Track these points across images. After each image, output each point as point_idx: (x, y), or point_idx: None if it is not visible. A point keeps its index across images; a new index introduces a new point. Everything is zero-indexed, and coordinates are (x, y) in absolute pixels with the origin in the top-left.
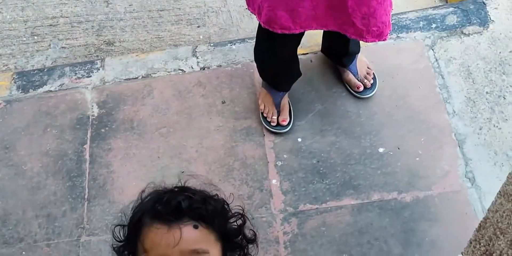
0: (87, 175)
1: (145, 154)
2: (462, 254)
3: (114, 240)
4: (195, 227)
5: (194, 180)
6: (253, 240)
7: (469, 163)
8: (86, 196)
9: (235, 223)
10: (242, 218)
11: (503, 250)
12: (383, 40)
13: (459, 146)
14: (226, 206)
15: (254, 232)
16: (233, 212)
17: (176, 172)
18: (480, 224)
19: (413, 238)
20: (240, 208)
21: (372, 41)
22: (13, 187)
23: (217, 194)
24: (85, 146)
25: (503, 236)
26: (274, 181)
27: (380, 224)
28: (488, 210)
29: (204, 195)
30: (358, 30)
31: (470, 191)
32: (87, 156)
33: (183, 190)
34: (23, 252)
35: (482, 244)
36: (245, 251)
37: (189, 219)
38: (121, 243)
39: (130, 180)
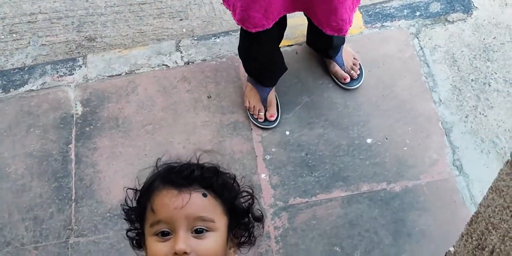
0: (73, 176)
1: (131, 152)
2: (454, 247)
3: (125, 202)
4: (204, 195)
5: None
6: (260, 219)
7: (456, 151)
8: (73, 197)
9: (244, 204)
10: (251, 199)
11: (495, 244)
12: (342, 35)
13: (446, 135)
14: (235, 184)
15: (261, 211)
16: (241, 191)
17: None
18: (471, 218)
19: (403, 229)
20: (249, 188)
21: (331, 34)
22: None
23: (229, 172)
24: (70, 146)
25: (495, 231)
26: (263, 175)
27: (370, 215)
28: (480, 204)
29: (217, 169)
30: (318, 20)
31: (458, 179)
32: (72, 156)
33: (196, 164)
34: None
35: (474, 238)
36: (251, 230)
37: (199, 187)
38: (131, 207)
39: (118, 179)
